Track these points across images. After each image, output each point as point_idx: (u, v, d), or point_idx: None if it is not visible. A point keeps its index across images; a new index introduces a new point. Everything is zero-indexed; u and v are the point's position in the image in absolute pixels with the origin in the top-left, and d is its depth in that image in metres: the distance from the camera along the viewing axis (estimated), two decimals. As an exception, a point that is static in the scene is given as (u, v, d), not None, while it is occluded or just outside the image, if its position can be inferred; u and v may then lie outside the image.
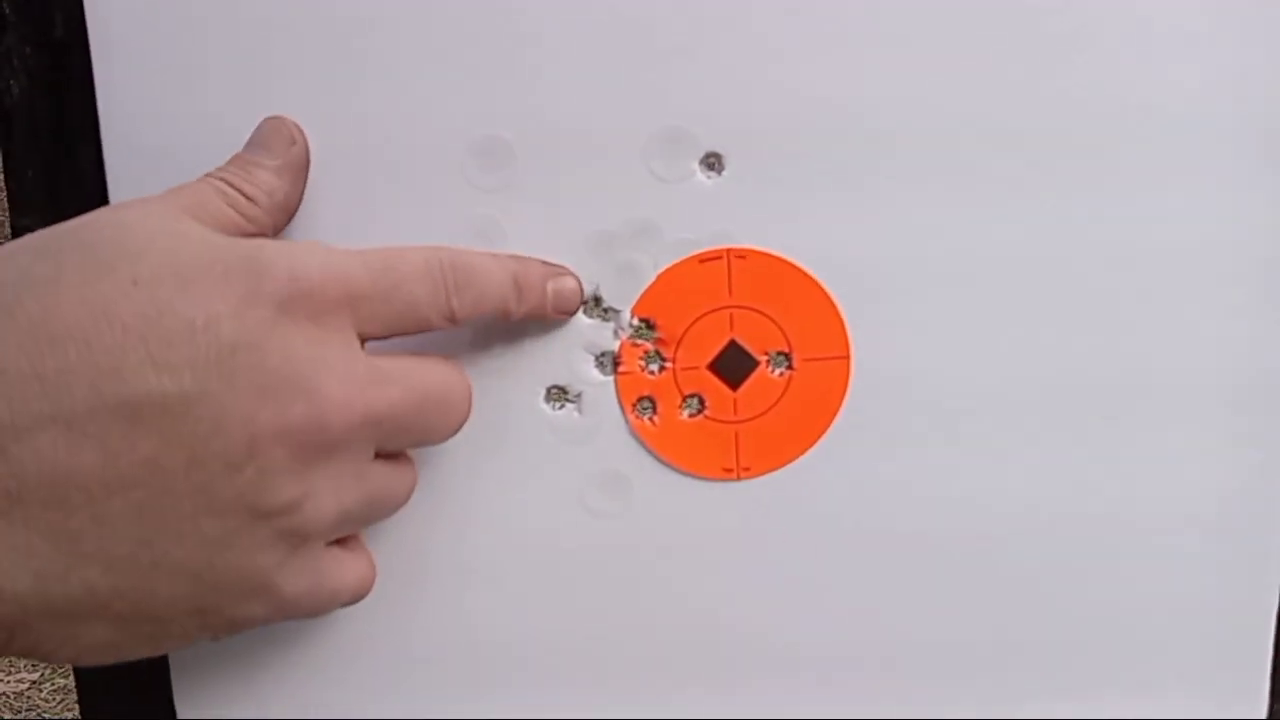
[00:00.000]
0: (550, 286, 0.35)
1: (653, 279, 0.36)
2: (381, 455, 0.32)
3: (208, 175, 0.32)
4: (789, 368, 0.37)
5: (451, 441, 0.34)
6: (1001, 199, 0.36)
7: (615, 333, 0.36)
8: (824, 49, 0.35)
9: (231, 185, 0.32)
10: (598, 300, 0.36)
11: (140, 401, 0.27)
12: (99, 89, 0.34)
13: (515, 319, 0.35)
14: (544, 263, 0.35)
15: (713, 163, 0.36)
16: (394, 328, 0.31)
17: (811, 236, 0.36)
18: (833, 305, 0.36)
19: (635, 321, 0.36)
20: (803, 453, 0.37)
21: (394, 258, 0.31)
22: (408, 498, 0.34)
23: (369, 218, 0.35)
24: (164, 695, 0.38)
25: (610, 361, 0.37)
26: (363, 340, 0.31)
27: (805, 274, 0.36)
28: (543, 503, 0.37)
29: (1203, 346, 0.37)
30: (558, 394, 0.37)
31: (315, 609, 0.32)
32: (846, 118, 0.35)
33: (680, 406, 0.37)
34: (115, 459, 0.27)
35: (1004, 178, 0.36)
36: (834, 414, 0.37)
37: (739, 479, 0.37)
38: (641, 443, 0.37)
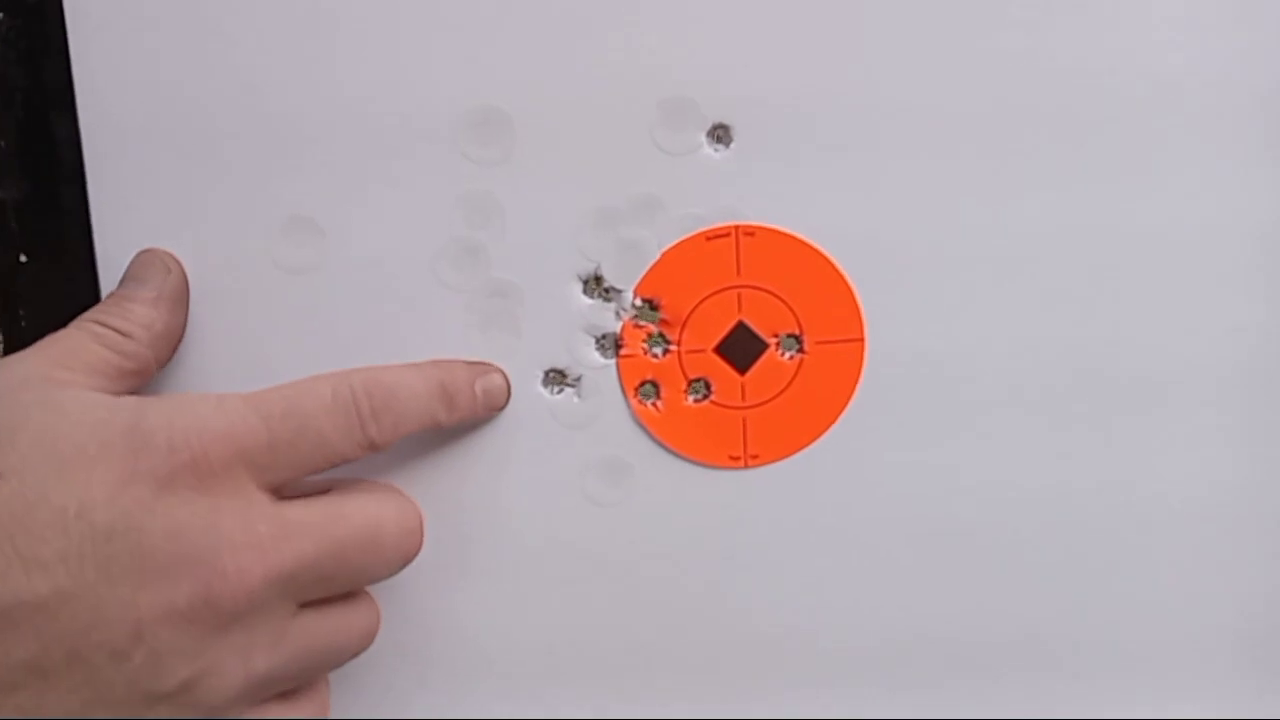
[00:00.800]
0: (479, 387, 0.33)
1: (656, 257, 0.34)
2: (317, 603, 0.31)
3: (80, 319, 0.31)
4: (800, 351, 0.35)
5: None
6: (1023, 175, 0.34)
7: (617, 314, 0.35)
8: (836, 16, 0.33)
9: (105, 325, 0.31)
10: (599, 280, 0.34)
11: (11, 605, 0.26)
12: (74, 58, 0.33)
13: (446, 428, 0.33)
14: (467, 363, 0.34)
15: (720, 135, 0.34)
16: (305, 469, 0.30)
17: (824, 212, 0.34)
18: (846, 285, 0.35)
19: (638, 302, 0.35)
20: (814, 440, 0.36)
21: (296, 398, 0.30)
22: (367, 638, 0.32)
23: (357, 196, 0.33)
24: None
25: (612, 344, 0.35)
26: (272, 491, 0.29)
27: (817, 252, 0.34)
28: (541, 491, 0.35)
29: (1225, 332, 0.35)
30: (556, 377, 0.35)
31: None
32: (861, 88, 0.34)
33: (685, 391, 0.35)
34: None
35: (1026, 154, 0.34)
36: (847, 399, 0.35)
37: (746, 467, 0.35)
38: (644, 429, 0.35)
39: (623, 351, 0.35)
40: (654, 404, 0.35)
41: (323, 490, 0.32)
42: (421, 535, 0.33)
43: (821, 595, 0.36)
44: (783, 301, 0.35)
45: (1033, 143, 0.34)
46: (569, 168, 0.34)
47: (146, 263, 0.33)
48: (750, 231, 0.34)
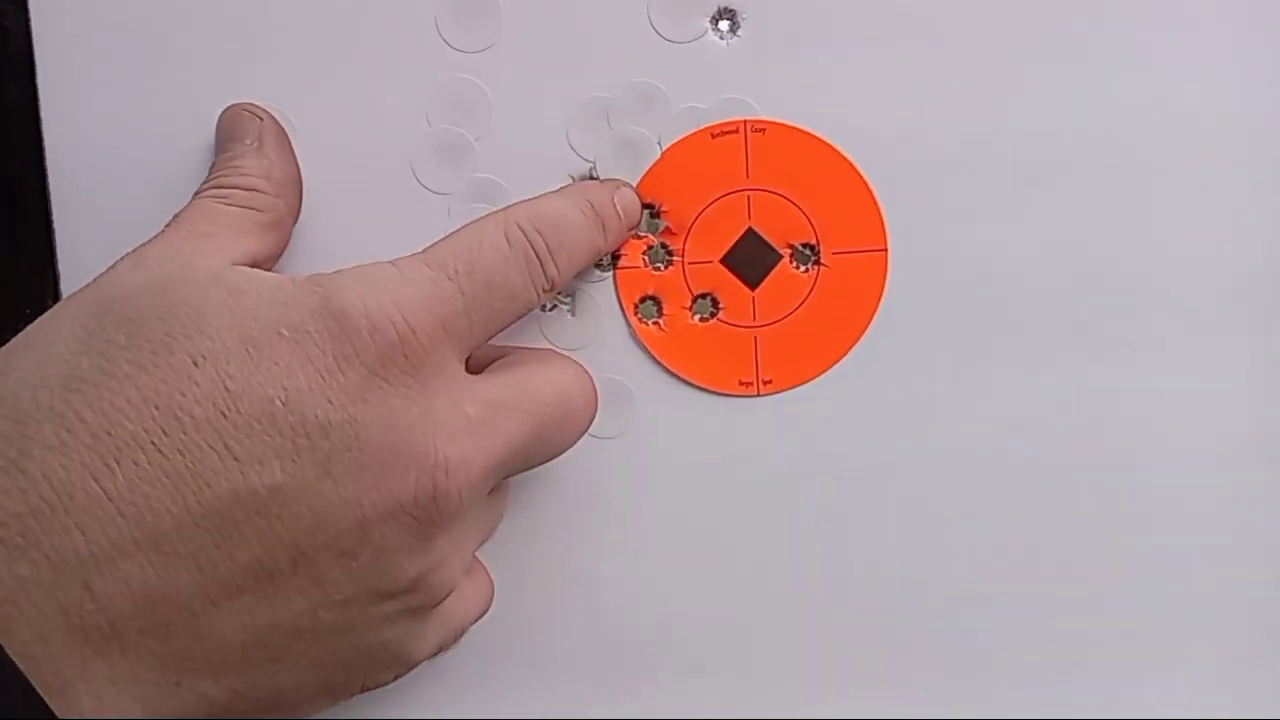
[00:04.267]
0: (618, 203, 0.31)
1: (657, 156, 0.31)
2: None
3: (198, 192, 0.29)
4: (816, 262, 0.32)
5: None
6: (1064, 65, 0.31)
7: (614, 221, 0.32)
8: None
9: (226, 186, 0.29)
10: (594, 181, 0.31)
11: (228, 505, 0.24)
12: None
13: (604, 255, 0.31)
14: (600, 182, 0.31)
15: (727, 19, 0.31)
16: (497, 328, 0.28)
17: (842, 107, 0.31)
18: (867, 188, 0.31)
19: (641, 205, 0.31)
20: (833, 363, 0.32)
21: (475, 250, 0.27)
22: (501, 520, 0.32)
23: (326, 87, 0.31)
24: None
25: (609, 255, 0.32)
26: (469, 356, 0.27)
27: (835, 151, 0.31)
28: (531, 420, 0.32)
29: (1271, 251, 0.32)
30: (548, 293, 0.32)
31: (442, 651, 0.30)
32: (881, -33, 0.31)
33: (690, 308, 0.32)
34: (213, 571, 0.24)
35: (1071, 38, 0.31)
36: (869, 317, 0.32)
37: (759, 394, 0.32)
38: (645, 350, 0.32)
39: (620, 264, 0.32)
40: (655, 323, 0.32)
41: (489, 362, 0.30)
42: (598, 401, 0.30)
43: (842, 536, 0.32)
44: (797, 207, 0.31)
45: (1075, 31, 0.31)
46: (560, 56, 0.31)
47: (234, 117, 0.30)
48: (760, 128, 0.31)
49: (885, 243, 0.32)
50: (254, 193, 0.29)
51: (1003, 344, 0.32)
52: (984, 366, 0.32)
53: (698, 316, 0.32)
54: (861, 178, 0.31)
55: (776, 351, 0.32)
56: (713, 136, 0.31)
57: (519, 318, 0.28)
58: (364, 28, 0.31)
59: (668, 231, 0.32)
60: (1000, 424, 0.32)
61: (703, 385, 0.32)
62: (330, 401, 0.24)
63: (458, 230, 0.28)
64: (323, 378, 0.25)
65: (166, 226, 0.28)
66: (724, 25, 0.31)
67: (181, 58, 0.31)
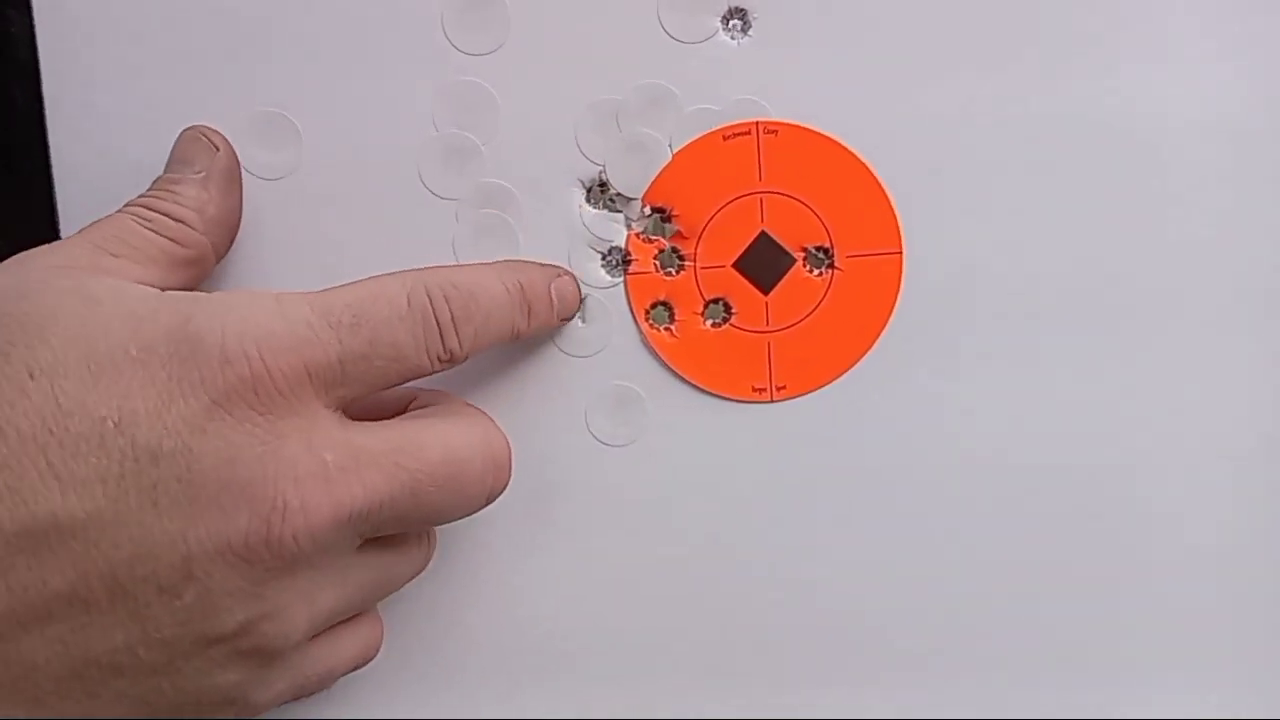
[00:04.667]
0: (553, 291, 0.30)
1: (668, 159, 0.31)
2: (375, 540, 0.27)
3: (126, 205, 0.28)
4: (830, 266, 0.31)
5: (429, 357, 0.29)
6: (1080, 60, 0.30)
7: (625, 225, 0.31)
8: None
9: (153, 210, 0.28)
10: (604, 186, 0.31)
11: (45, 527, 0.23)
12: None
13: (522, 340, 0.30)
14: (539, 265, 0.30)
15: (738, 19, 0.30)
16: (376, 386, 0.26)
17: (856, 107, 0.30)
18: (881, 190, 0.31)
19: (647, 211, 0.31)
20: (848, 368, 0.31)
21: (368, 303, 0.26)
22: (416, 575, 0.30)
23: (332, 90, 0.30)
24: None
25: (619, 260, 0.31)
26: (339, 410, 0.26)
27: (848, 152, 0.31)
28: (541, 428, 0.31)
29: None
30: (558, 298, 0.31)
31: (303, 697, 0.28)
32: (896, -36, 0.30)
33: (702, 314, 0.31)
34: (24, 594, 0.23)
35: (1086, 34, 0.30)
36: (884, 322, 0.31)
37: (772, 400, 0.32)
38: (656, 356, 0.31)
39: (631, 268, 0.31)
40: (667, 328, 0.31)
41: (398, 406, 0.29)
42: (509, 470, 0.29)
43: (856, 543, 0.32)
44: (810, 209, 0.31)
45: (1095, 26, 0.30)
46: (568, 57, 0.30)
47: (190, 141, 0.29)
48: (773, 129, 0.30)
49: (900, 245, 0.31)
50: (181, 225, 0.28)
51: (1019, 346, 0.31)
52: (1000, 369, 0.31)
53: (710, 322, 0.31)
54: (876, 179, 0.31)
55: (790, 357, 0.31)
56: (724, 138, 0.31)
57: (406, 380, 0.27)
58: (369, 30, 0.30)
59: (679, 236, 0.31)
60: (1017, 427, 0.32)
61: (715, 392, 0.32)
62: (166, 428, 0.23)
63: (363, 280, 0.27)
64: (162, 402, 0.23)
65: (77, 232, 0.27)
66: (735, 25, 0.30)
67: (187, 61, 0.30)
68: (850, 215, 0.31)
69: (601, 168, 0.31)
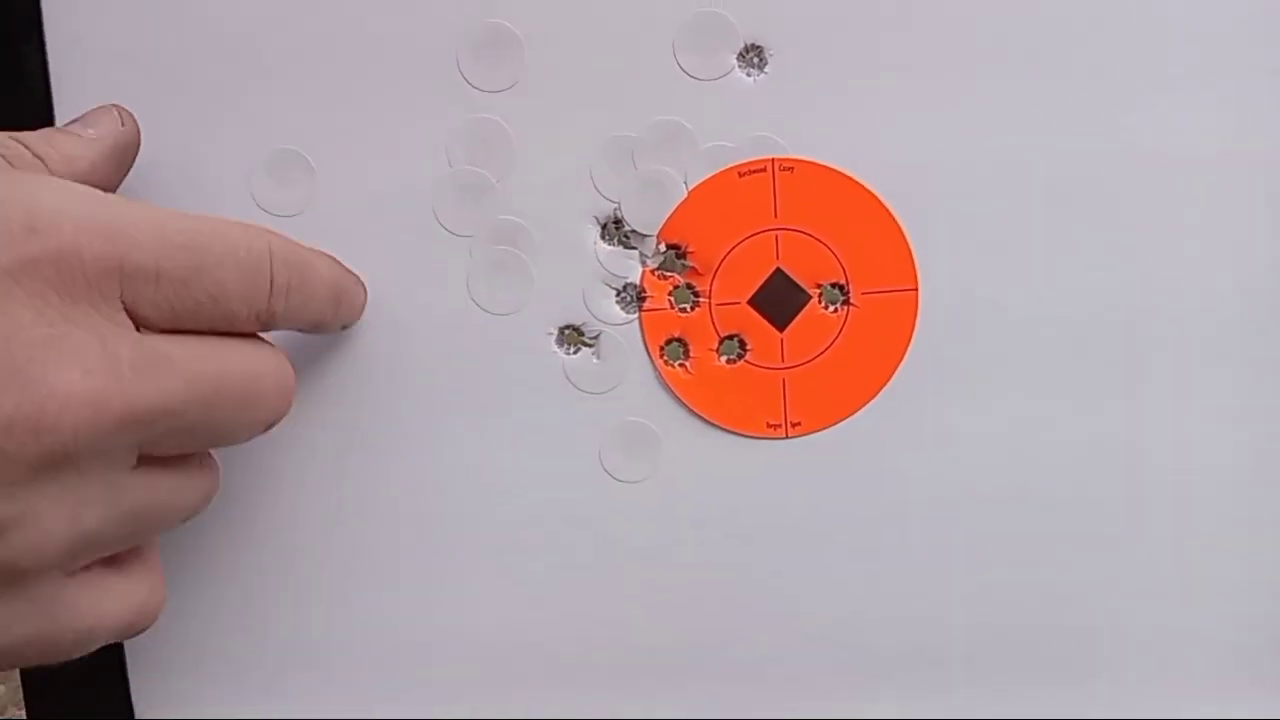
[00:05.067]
0: (349, 297, 0.30)
1: (683, 196, 0.31)
2: (154, 458, 0.25)
3: None
4: (845, 303, 0.31)
5: (444, 391, 0.29)
6: (1092, 100, 0.30)
7: (640, 261, 0.31)
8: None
9: (16, 140, 0.26)
10: (619, 223, 0.31)
11: None
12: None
13: (323, 333, 0.30)
14: (350, 271, 0.30)
15: (753, 57, 0.30)
16: (185, 320, 0.24)
17: (871, 145, 0.30)
18: (897, 227, 0.31)
19: (663, 248, 0.31)
20: (863, 405, 0.31)
21: (205, 233, 0.24)
22: (199, 507, 0.27)
23: (348, 127, 0.30)
24: (122, 694, 0.33)
25: (634, 296, 0.31)
26: (139, 325, 0.24)
27: (864, 189, 0.31)
28: (555, 464, 0.31)
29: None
30: (572, 335, 0.31)
31: (52, 656, 0.25)
32: (910, 2, 0.30)
33: (717, 350, 0.31)
34: None
35: (1096, 74, 0.30)
36: (899, 358, 0.31)
37: (787, 436, 0.31)
38: (671, 393, 0.31)
39: (646, 305, 0.31)
40: (682, 365, 0.31)
41: None
42: (292, 400, 0.27)
43: (873, 578, 0.32)
44: (826, 246, 0.31)
45: (1107, 59, 0.30)
46: (583, 94, 0.30)
47: (101, 110, 0.29)
48: (788, 166, 0.30)
49: (916, 282, 0.31)
50: (38, 161, 0.26)
51: (1036, 380, 0.31)
52: (1015, 403, 0.31)
53: (725, 358, 0.31)
54: (892, 216, 0.31)
55: (805, 393, 0.31)
56: (740, 175, 0.31)
57: (216, 328, 0.25)
58: (385, 66, 0.30)
59: (694, 272, 0.31)
60: (1032, 460, 0.32)
61: (730, 428, 0.31)
62: None
63: (210, 215, 0.25)
64: None
65: None
66: (751, 61, 0.30)
67: (201, 97, 0.30)
68: (866, 252, 0.31)
69: (617, 205, 0.31)
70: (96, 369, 0.22)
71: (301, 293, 0.26)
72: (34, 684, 0.34)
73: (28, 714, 0.34)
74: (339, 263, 0.30)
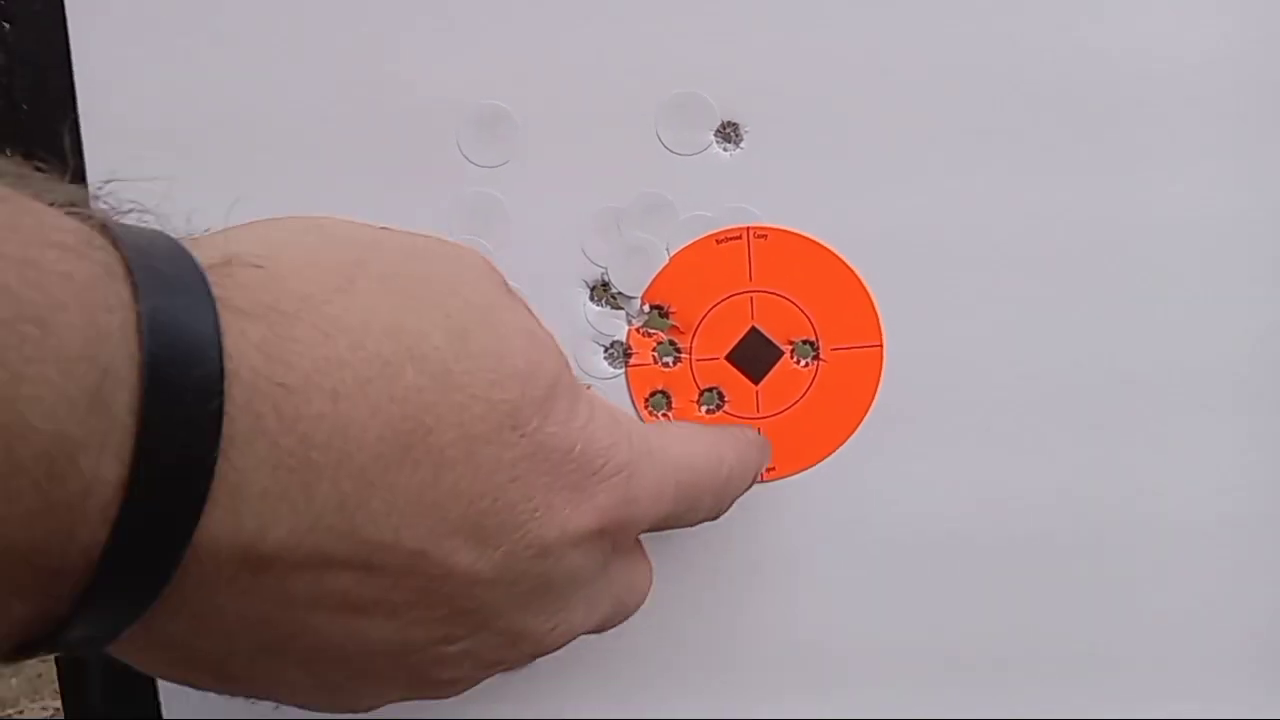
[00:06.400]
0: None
1: (666, 262, 0.33)
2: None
3: None
4: (816, 358, 0.34)
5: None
6: (1047, 171, 0.33)
7: (626, 321, 0.34)
8: (848, 6, 0.32)
9: None
10: (606, 286, 0.33)
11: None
12: (76, 63, 0.32)
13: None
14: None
15: (729, 133, 0.33)
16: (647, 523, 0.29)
17: (838, 213, 0.33)
18: (863, 288, 0.33)
19: (647, 308, 0.33)
20: (832, 451, 0.34)
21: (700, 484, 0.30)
22: (647, 592, 0.32)
23: (352, 199, 0.32)
24: (150, 695, 0.35)
25: (620, 353, 0.34)
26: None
27: (832, 254, 0.33)
28: (548, 507, 0.34)
29: (1258, 333, 0.34)
30: (564, 388, 0.34)
31: (619, 620, 0.30)
32: (875, 83, 0.32)
33: (697, 401, 0.34)
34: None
35: (1049, 148, 0.33)
36: (866, 408, 0.34)
37: (762, 481, 0.34)
38: (655, 441, 0.34)
39: (632, 360, 0.34)
40: (665, 414, 0.34)
41: None
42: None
43: (843, 613, 0.34)
44: (797, 306, 0.33)
45: (1055, 137, 0.33)
46: (573, 169, 0.33)
47: None
48: (762, 234, 0.33)
49: (881, 339, 0.34)
50: None
51: (997, 430, 0.34)
52: (978, 452, 0.34)
53: (705, 409, 0.34)
54: (858, 278, 0.33)
55: (779, 441, 0.34)
56: (718, 242, 0.33)
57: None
58: (390, 143, 0.32)
59: (676, 330, 0.34)
60: (995, 506, 0.34)
61: (710, 473, 0.34)
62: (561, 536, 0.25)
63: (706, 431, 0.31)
64: (569, 516, 0.25)
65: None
66: (728, 138, 0.33)
67: (201, 170, 0.32)
68: (834, 311, 0.33)
69: (604, 269, 0.33)
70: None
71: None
72: (68, 686, 0.37)
73: (65, 714, 0.37)
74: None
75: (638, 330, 0.34)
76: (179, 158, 0.32)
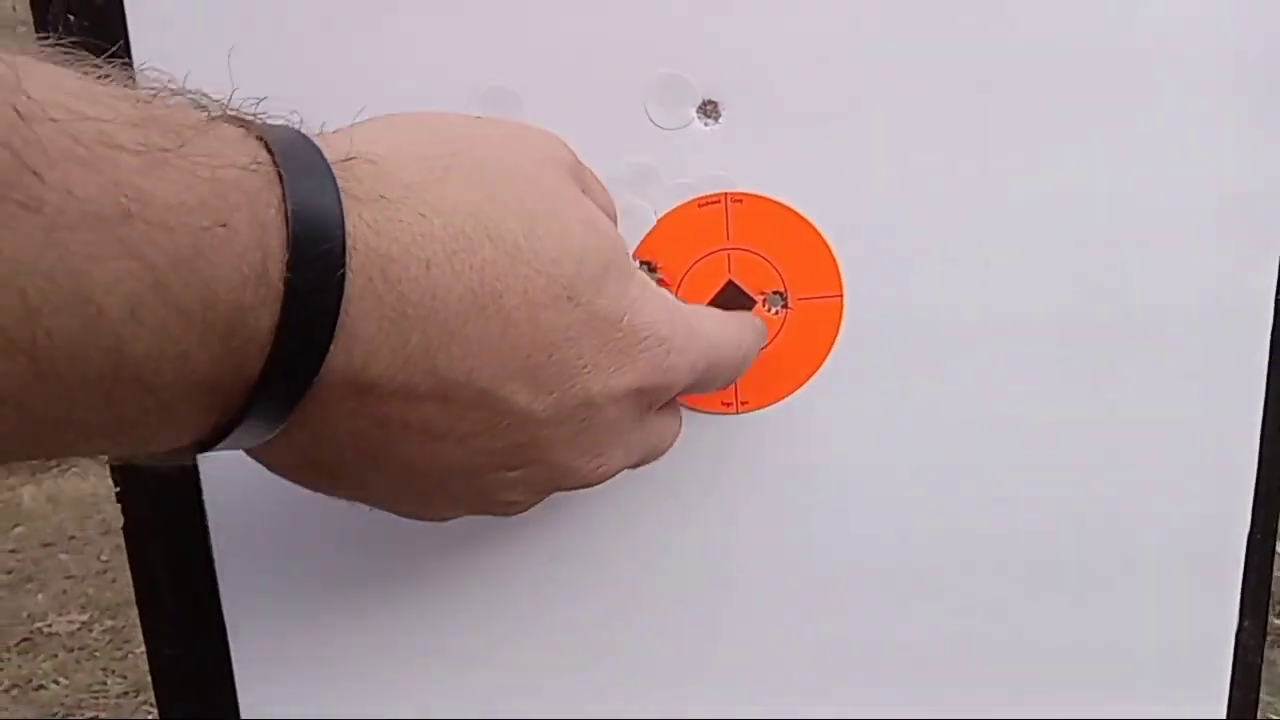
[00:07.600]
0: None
1: (653, 223, 0.38)
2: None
3: None
4: (784, 306, 0.38)
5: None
6: (993, 136, 0.37)
7: (618, 274, 0.38)
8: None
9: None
10: (601, 243, 0.38)
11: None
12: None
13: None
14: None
15: (710, 110, 0.37)
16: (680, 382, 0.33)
17: (805, 180, 0.38)
18: (826, 246, 0.38)
19: (637, 264, 0.38)
20: (798, 387, 0.39)
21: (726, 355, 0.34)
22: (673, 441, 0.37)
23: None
24: (228, 695, 0.40)
25: (614, 302, 0.38)
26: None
27: (799, 216, 0.38)
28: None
29: (1184, 281, 0.39)
30: (565, 333, 0.38)
31: (654, 456, 0.35)
32: (838, 64, 0.37)
33: (681, 344, 0.39)
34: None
35: (995, 115, 0.37)
36: (828, 350, 0.39)
37: (738, 412, 0.39)
38: (645, 378, 0.39)
39: (624, 308, 0.38)
40: (653, 356, 0.39)
41: None
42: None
43: (805, 527, 0.40)
44: (768, 262, 0.38)
45: (1001, 103, 0.37)
46: (571, 140, 0.37)
47: None
48: (739, 198, 0.38)
49: (841, 289, 0.38)
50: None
51: (940, 366, 0.39)
52: (925, 385, 0.39)
53: (687, 351, 0.39)
54: (821, 237, 0.38)
55: (752, 378, 0.39)
56: (699, 206, 0.38)
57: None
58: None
59: (663, 282, 0.38)
60: (945, 428, 0.40)
61: (691, 406, 0.39)
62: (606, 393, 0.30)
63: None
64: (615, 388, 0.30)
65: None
66: (708, 113, 0.37)
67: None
68: (801, 266, 0.38)
69: (599, 229, 0.38)
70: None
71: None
72: (161, 692, 0.40)
73: (160, 715, 0.40)
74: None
75: (629, 282, 0.38)
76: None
